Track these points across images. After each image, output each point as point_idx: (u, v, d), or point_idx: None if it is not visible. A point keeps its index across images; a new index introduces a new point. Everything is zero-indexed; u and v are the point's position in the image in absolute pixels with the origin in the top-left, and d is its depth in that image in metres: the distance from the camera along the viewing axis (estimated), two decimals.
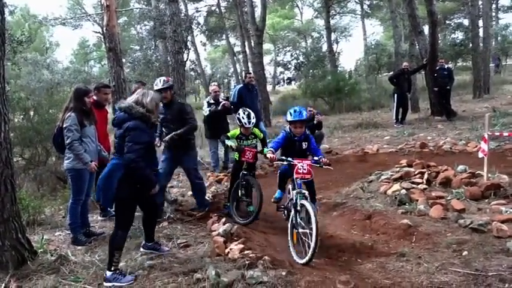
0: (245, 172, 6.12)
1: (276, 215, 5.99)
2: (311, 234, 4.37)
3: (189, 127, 6.39)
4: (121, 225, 4.45)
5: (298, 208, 4.75)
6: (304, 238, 4.55)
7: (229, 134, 6.46)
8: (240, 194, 6.19)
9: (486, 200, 5.79)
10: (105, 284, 4.25)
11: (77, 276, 4.49)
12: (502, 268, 3.79)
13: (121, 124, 4.40)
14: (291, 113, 5.19)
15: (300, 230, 4.64)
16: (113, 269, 4.31)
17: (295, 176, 4.92)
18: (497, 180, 6.26)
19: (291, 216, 4.87)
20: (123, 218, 4.46)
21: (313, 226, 4.33)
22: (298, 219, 4.73)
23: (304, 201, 4.70)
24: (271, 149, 5.12)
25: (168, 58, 10.82)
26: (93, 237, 5.67)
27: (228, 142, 6.26)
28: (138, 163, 4.23)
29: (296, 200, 4.80)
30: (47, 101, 10.57)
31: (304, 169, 4.93)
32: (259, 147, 6.65)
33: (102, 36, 23.03)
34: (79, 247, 5.40)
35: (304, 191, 4.88)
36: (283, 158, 5.11)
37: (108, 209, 6.38)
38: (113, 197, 4.35)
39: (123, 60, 16.38)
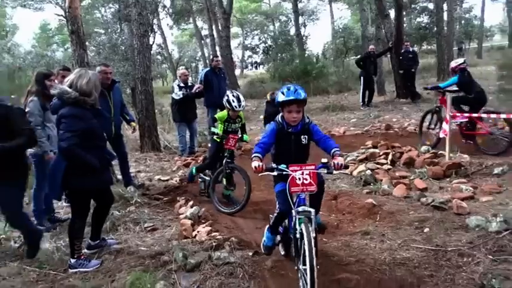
0: (229, 160, 5.95)
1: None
2: (305, 272, 3.13)
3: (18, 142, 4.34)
4: (77, 215, 4.29)
5: (298, 236, 3.33)
6: (300, 276, 3.37)
7: (217, 116, 6.14)
8: (224, 182, 6.08)
9: (448, 179, 5.97)
10: (70, 270, 4.19)
11: (42, 262, 4.40)
12: (461, 243, 3.93)
13: (57, 111, 4.13)
14: (283, 92, 3.58)
15: (301, 267, 3.28)
16: (76, 256, 4.23)
17: (291, 189, 3.40)
18: (458, 159, 6.46)
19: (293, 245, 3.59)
20: (78, 208, 4.29)
21: (307, 262, 3.07)
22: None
23: (302, 228, 3.25)
24: (257, 154, 3.51)
25: (134, 41, 10.54)
26: (57, 223, 5.56)
27: (215, 130, 6.01)
28: (72, 151, 3.97)
29: (295, 223, 3.40)
30: (8, 86, 10.22)
31: (305, 179, 3.39)
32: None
33: (64, 19, 22.33)
34: (44, 233, 5.28)
35: (307, 210, 3.37)
36: (273, 166, 3.44)
37: None
38: (60, 188, 4.12)
39: (88, 43, 16.00)
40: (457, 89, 7.89)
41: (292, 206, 3.43)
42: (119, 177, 7.15)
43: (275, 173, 3.44)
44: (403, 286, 3.43)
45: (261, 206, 5.97)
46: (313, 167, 3.42)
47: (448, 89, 7.90)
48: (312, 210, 3.36)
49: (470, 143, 7.65)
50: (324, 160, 3.49)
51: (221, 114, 6.13)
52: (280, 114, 3.69)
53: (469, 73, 8.11)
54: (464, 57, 29.84)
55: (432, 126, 8.33)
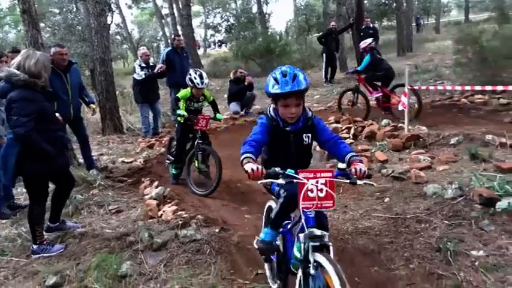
0: (200, 141, 5.84)
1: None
2: None
3: None
4: (35, 201, 4.17)
5: (311, 270, 2.38)
6: None
7: (179, 95, 5.98)
8: (197, 164, 5.97)
9: (407, 150, 6.14)
10: (33, 256, 4.12)
11: (3, 249, 4.32)
12: (419, 210, 4.08)
13: (6, 95, 3.94)
14: (276, 79, 2.66)
15: None
16: (38, 242, 4.16)
17: (301, 205, 2.47)
18: (416, 131, 6.65)
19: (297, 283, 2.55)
20: (36, 194, 4.16)
21: None
22: None
23: (320, 257, 2.33)
24: (249, 155, 2.64)
25: (90, 21, 10.24)
26: (18, 209, 5.43)
27: (179, 112, 5.82)
28: (29, 137, 3.84)
29: (307, 251, 2.44)
30: None
31: (321, 190, 2.45)
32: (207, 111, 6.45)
33: None
34: (3, 220, 5.17)
35: (320, 234, 2.44)
36: (277, 171, 2.46)
37: None
38: (14, 175, 3.98)
39: (42, 24, 15.46)
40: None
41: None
42: (81, 160, 7.03)
43: (281, 181, 2.45)
44: (365, 253, 3.55)
45: (228, 184, 6.02)
46: (330, 173, 2.49)
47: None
48: (325, 234, 2.46)
49: (388, 114, 8.61)
50: (342, 166, 2.61)
51: (183, 92, 6.01)
52: (272, 106, 2.82)
53: (378, 51, 9.12)
54: (422, 32, 30.42)
55: (355, 100, 9.18)
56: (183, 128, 6.02)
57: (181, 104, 5.94)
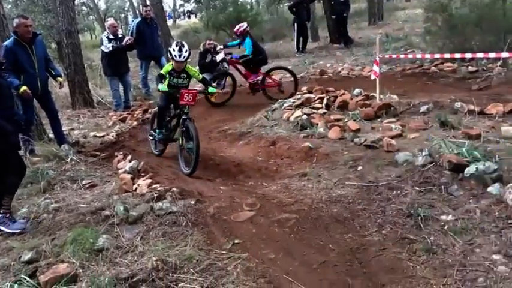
0: (185, 117, 5.45)
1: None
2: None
3: None
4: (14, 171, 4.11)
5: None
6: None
7: (163, 71, 5.71)
8: (181, 142, 5.56)
9: (379, 119, 6.23)
10: None
11: None
12: (391, 178, 4.17)
13: None
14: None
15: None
16: (2, 211, 4.04)
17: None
18: (388, 100, 6.74)
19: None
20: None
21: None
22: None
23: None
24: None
25: None
26: None
27: (161, 87, 5.45)
28: None
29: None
30: None
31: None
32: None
33: None
34: None
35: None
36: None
37: None
38: None
39: None
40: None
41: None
42: (51, 136, 6.89)
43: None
44: (339, 221, 3.63)
45: (203, 156, 5.97)
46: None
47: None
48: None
49: (255, 94, 8.93)
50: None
51: (165, 67, 5.79)
52: None
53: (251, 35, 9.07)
54: (393, 0, 30.47)
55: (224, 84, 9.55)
56: (166, 96, 5.79)
57: (166, 80, 5.66)
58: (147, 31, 9.48)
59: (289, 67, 10.42)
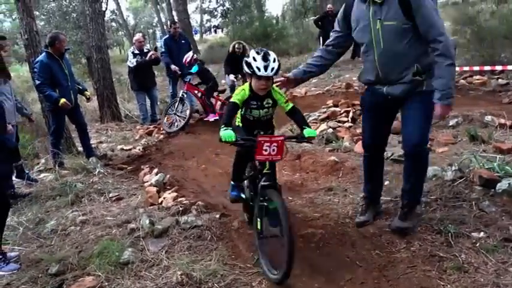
0: (265, 183, 3.31)
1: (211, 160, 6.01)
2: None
3: None
4: None
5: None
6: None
7: (236, 99, 3.41)
8: (260, 225, 3.34)
9: None
10: None
11: (5, 238, 4.31)
12: None
13: None
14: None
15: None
16: None
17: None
18: None
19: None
20: None
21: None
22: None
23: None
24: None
25: (85, 8, 10.14)
26: (19, 198, 5.44)
27: (226, 135, 3.12)
28: None
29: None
30: None
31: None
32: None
33: None
34: None
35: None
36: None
37: (26, 171, 6.16)
38: None
39: (37, 12, 15.31)
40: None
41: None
42: (80, 149, 7.03)
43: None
44: (366, 237, 3.56)
45: (227, 169, 6.00)
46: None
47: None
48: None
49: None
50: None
51: (239, 93, 3.45)
52: None
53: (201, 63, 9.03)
54: None
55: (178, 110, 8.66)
56: (238, 154, 3.81)
57: (238, 114, 3.62)
58: (174, 48, 9.55)
59: (313, 85, 10.35)
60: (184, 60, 8.74)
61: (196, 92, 8.94)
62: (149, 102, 9.68)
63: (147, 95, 9.55)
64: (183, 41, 9.83)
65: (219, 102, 8.95)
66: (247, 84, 3.46)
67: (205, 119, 8.73)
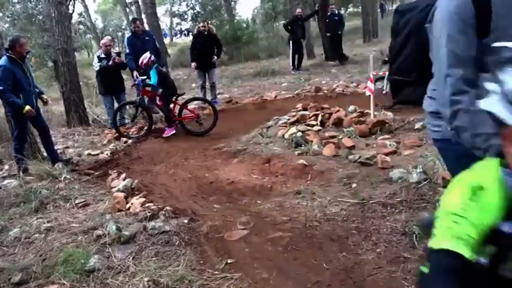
0: None
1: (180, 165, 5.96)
2: None
3: None
4: None
5: None
6: None
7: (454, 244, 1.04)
8: None
9: (373, 136, 6.24)
10: None
11: None
12: (385, 195, 4.15)
13: None
14: None
15: None
16: None
17: None
18: (382, 117, 6.75)
19: None
20: None
21: None
22: None
23: None
24: None
25: (51, 10, 9.92)
26: None
27: None
28: None
29: None
30: None
31: None
32: None
33: None
34: None
35: None
36: None
37: None
38: None
39: (1, 14, 14.93)
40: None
41: None
42: (45, 154, 6.87)
43: None
44: (333, 239, 3.59)
45: (196, 173, 5.99)
46: None
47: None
48: None
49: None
50: None
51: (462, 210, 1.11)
52: None
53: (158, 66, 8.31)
54: (387, 17, 30.82)
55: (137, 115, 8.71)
56: None
57: None
58: (138, 45, 9.32)
59: (284, 88, 10.43)
60: (140, 62, 8.17)
61: (153, 97, 8.47)
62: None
63: (115, 99, 9.40)
64: (147, 38, 9.64)
65: (177, 107, 8.44)
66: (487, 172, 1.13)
67: (164, 135, 8.19)
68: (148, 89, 8.31)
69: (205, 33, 10.54)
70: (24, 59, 6.29)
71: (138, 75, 8.55)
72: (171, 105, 8.36)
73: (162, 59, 9.76)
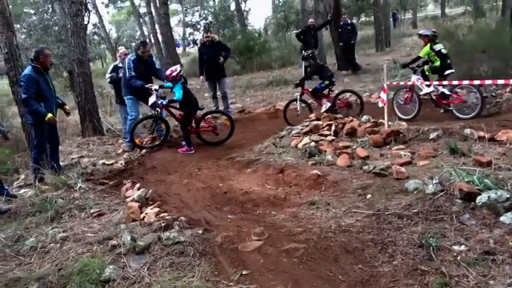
0: None
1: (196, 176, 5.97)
2: None
3: None
4: None
5: None
6: None
7: None
8: None
9: (387, 146, 6.19)
10: None
11: None
12: (401, 206, 4.10)
13: None
14: None
15: None
16: None
17: None
18: (396, 127, 6.71)
19: None
20: None
21: None
22: None
23: None
24: None
25: (67, 21, 10.06)
26: None
27: None
28: None
29: None
30: None
31: None
32: None
33: None
34: None
35: None
36: None
37: (5, 187, 6.07)
38: None
39: (18, 25, 15.16)
40: None
41: None
42: (62, 163, 6.94)
43: None
44: (349, 251, 3.56)
45: (209, 183, 6.00)
46: None
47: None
48: None
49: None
50: None
51: None
52: None
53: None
54: (399, 27, 30.75)
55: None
56: None
57: None
58: (141, 67, 8.44)
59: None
60: (169, 73, 7.89)
61: (174, 112, 8.39)
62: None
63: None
64: (149, 60, 9.31)
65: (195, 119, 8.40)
66: None
67: (179, 150, 8.10)
68: (175, 105, 8.24)
69: (208, 43, 10.64)
70: (48, 70, 6.45)
71: (156, 89, 8.13)
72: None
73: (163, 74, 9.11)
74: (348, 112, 8.88)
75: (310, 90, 9.30)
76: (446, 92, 7.93)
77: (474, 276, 2.97)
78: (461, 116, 7.63)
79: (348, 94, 9.63)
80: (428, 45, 8.25)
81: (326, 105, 8.86)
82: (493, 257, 3.11)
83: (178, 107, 8.20)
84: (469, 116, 7.45)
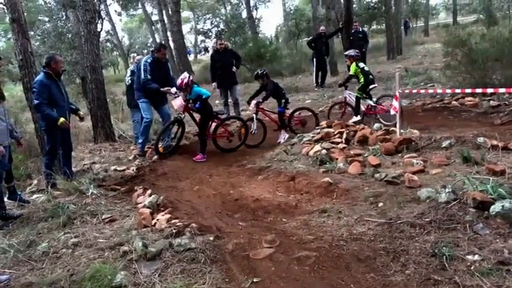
0: None
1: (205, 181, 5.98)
2: None
3: None
4: None
5: None
6: None
7: None
8: None
9: (399, 154, 6.15)
10: None
11: None
12: (413, 215, 4.07)
13: None
14: None
15: None
16: None
17: None
18: (408, 135, 6.67)
19: None
20: None
21: None
22: None
23: None
24: None
25: (80, 29, 10.19)
26: (10, 220, 5.39)
27: None
28: None
29: None
30: None
31: None
32: None
33: (4, 7, 21.29)
34: None
35: None
36: None
37: (18, 192, 6.13)
38: None
39: (32, 32, 15.38)
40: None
41: None
42: (74, 169, 6.99)
43: None
44: (360, 259, 3.53)
45: (220, 190, 6.00)
46: None
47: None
48: None
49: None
50: None
51: None
52: None
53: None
54: (411, 35, 30.64)
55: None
56: None
57: None
58: (155, 71, 8.38)
59: (307, 105, 10.45)
60: (180, 81, 7.94)
61: (195, 116, 8.46)
62: None
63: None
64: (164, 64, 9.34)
65: (214, 124, 8.43)
66: None
67: (194, 159, 8.01)
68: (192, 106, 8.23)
69: (221, 50, 10.82)
70: (60, 76, 6.51)
71: (171, 89, 8.22)
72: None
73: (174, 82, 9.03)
74: (304, 129, 9.04)
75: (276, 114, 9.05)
76: (372, 104, 8.99)
77: (488, 286, 2.93)
78: (386, 122, 8.43)
79: (302, 111, 9.80)
80: (354, 63, 9.17)
81: (284, 136, 8.70)
82: (507, 267, 3.07)
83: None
84: (392, 122, 7.97)
